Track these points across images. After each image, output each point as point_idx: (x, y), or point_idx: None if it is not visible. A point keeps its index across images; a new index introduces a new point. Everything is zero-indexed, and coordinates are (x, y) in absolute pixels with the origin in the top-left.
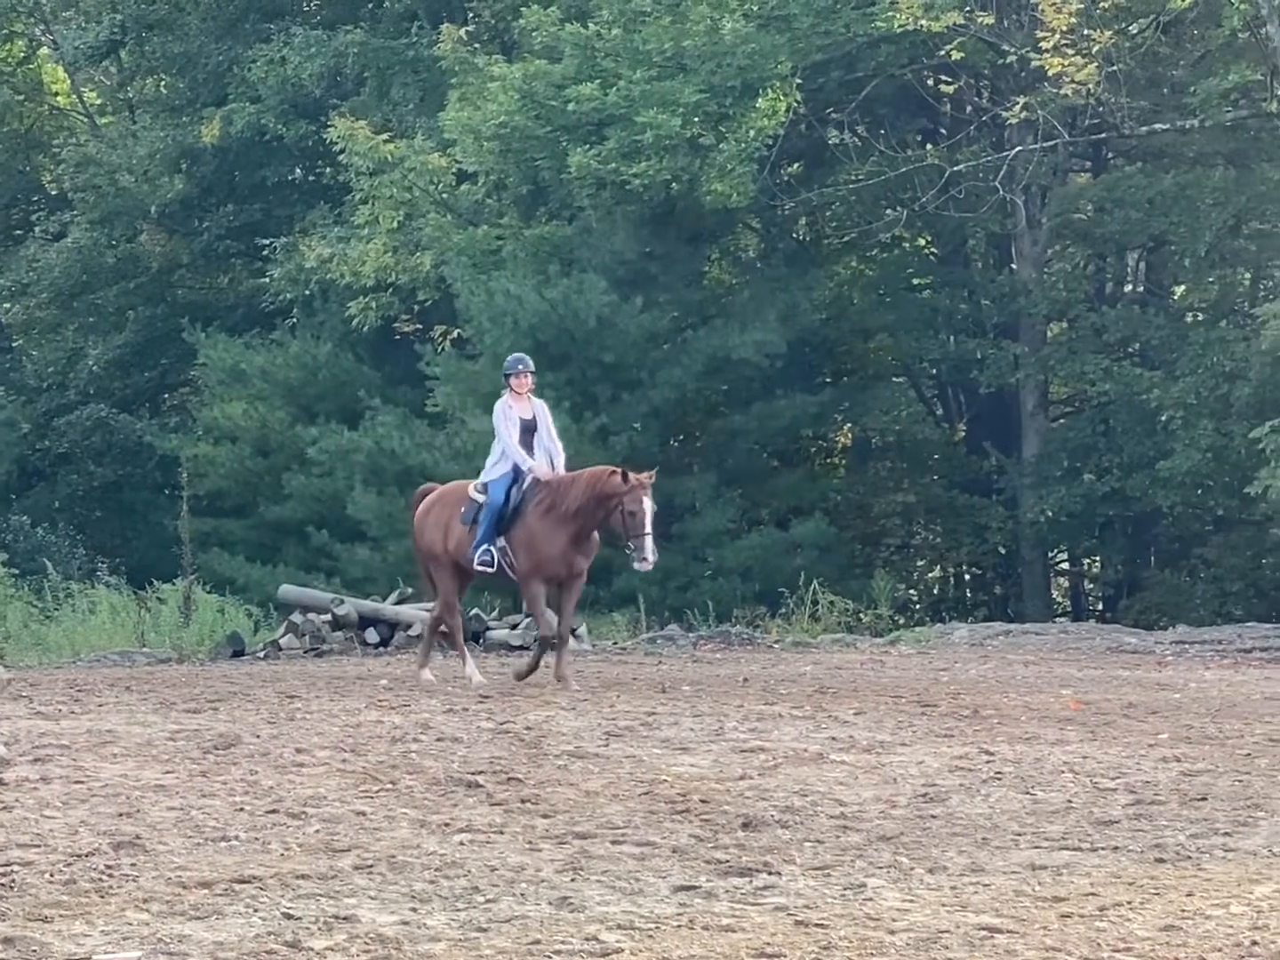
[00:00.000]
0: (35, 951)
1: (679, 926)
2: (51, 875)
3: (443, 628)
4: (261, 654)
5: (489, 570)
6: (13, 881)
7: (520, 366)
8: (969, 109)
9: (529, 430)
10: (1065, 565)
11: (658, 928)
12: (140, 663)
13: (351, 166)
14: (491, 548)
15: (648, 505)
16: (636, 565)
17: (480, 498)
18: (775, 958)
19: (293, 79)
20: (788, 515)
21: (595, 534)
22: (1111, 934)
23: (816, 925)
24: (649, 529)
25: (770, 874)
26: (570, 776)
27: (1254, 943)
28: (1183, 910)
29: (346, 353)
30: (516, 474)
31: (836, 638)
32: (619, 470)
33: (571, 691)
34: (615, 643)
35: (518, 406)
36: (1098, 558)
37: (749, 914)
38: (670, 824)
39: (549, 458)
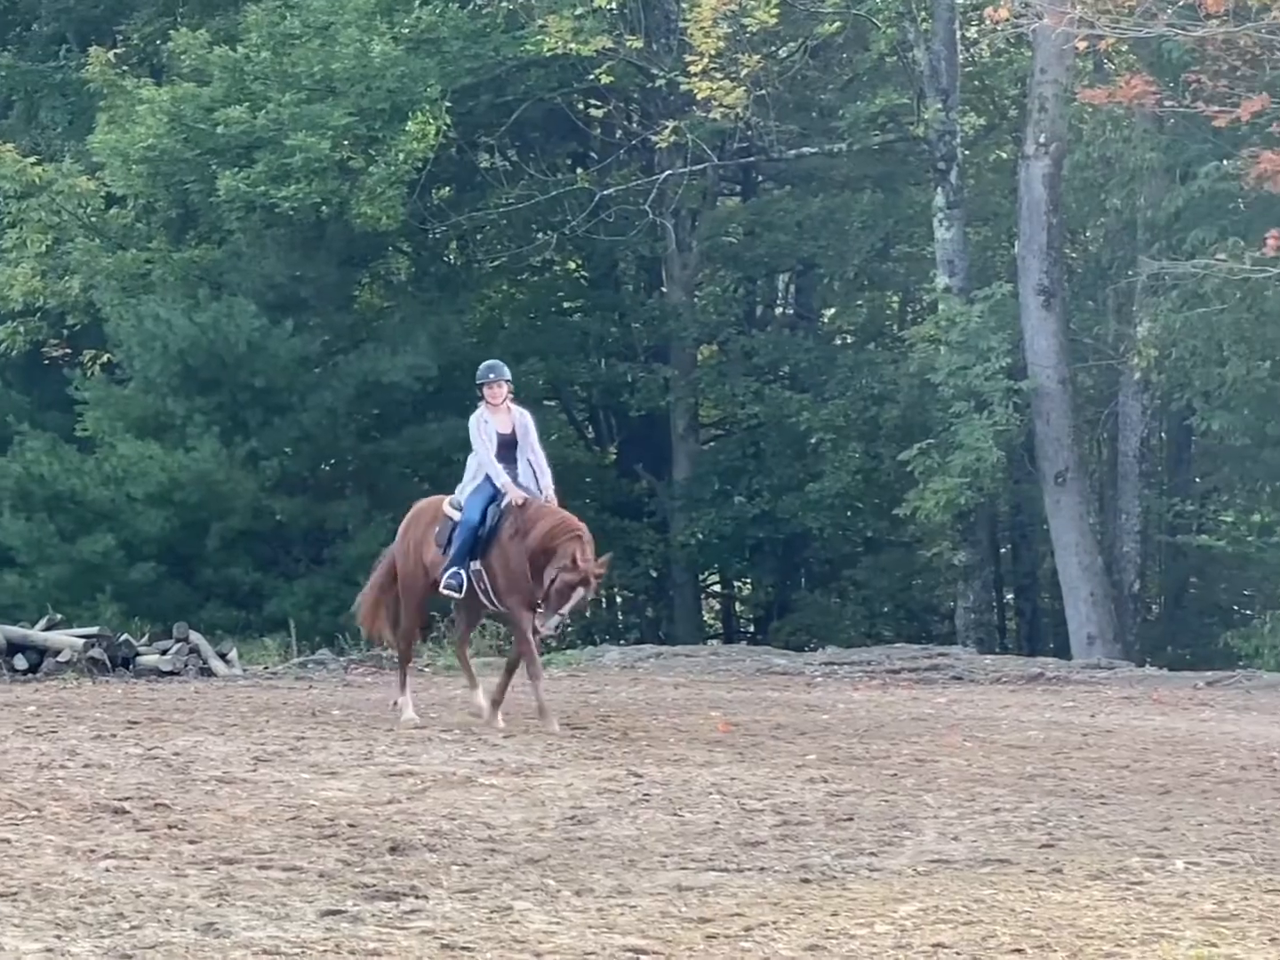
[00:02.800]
0: None
1: (325, 951)
2: None
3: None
4: None
5: (455, 595)
6: None
7: (491, 375)
8: (619, 133)
9: (508, 445)
10: (717, 587)
11: (304, 953)
12: None
13: None
14: (461, 571)
15: (577, 595)
16: (538, 624)
17: (456, 515)
18: None
19: None
20: None
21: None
22: (757, 954)
23: (463, 948)
24: (565, 611)
25: (417, 897)
26: (218, 802)
27: None
28: (827, 930)
29: None
30: (496, 491)
31: (487, 661)
32: (580, 536)
33: (550, 729)
34: (266, 667)
35: (495, 419)
36: (748, 580)
37: (395, 938)
38: (318, 849)
39: (533, 472)
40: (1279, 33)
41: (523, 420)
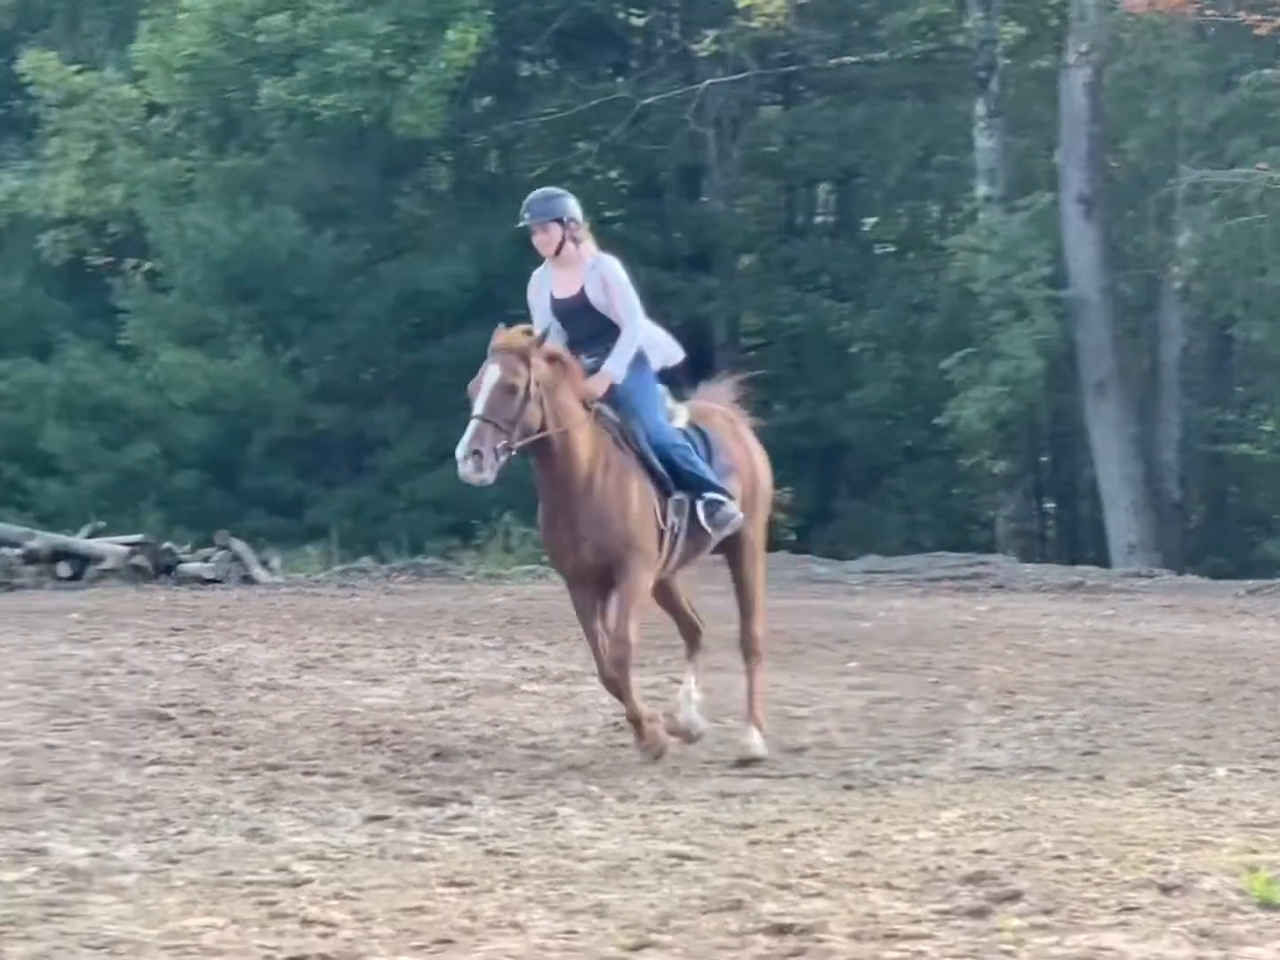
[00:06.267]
0: None
1: (370, 856)
2: None
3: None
4: None
5: None
6: None
7: (527, 215)
8: (660, 42)
9: (576, 314)
10: None
11: (349, 858)
12: None
13: (41, 99)
14: None
15: (487, 373)
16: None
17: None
18: (465, 886)
19: None
20: None
21: (614, 501)
22: (800, 860)
23: (507, 854)
24: (479, 408)
25: (461, 803)
26: (262, 708)
27: (940, 867)
28: (870, 836)
29: (37, 286)
30: None
31: (529, 569)
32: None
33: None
34: (308, 575)
35: (556, 276)
36: (789, 488)
37: (440, 843)
38: (362, 755)
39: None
40: None
41: (599, 274)
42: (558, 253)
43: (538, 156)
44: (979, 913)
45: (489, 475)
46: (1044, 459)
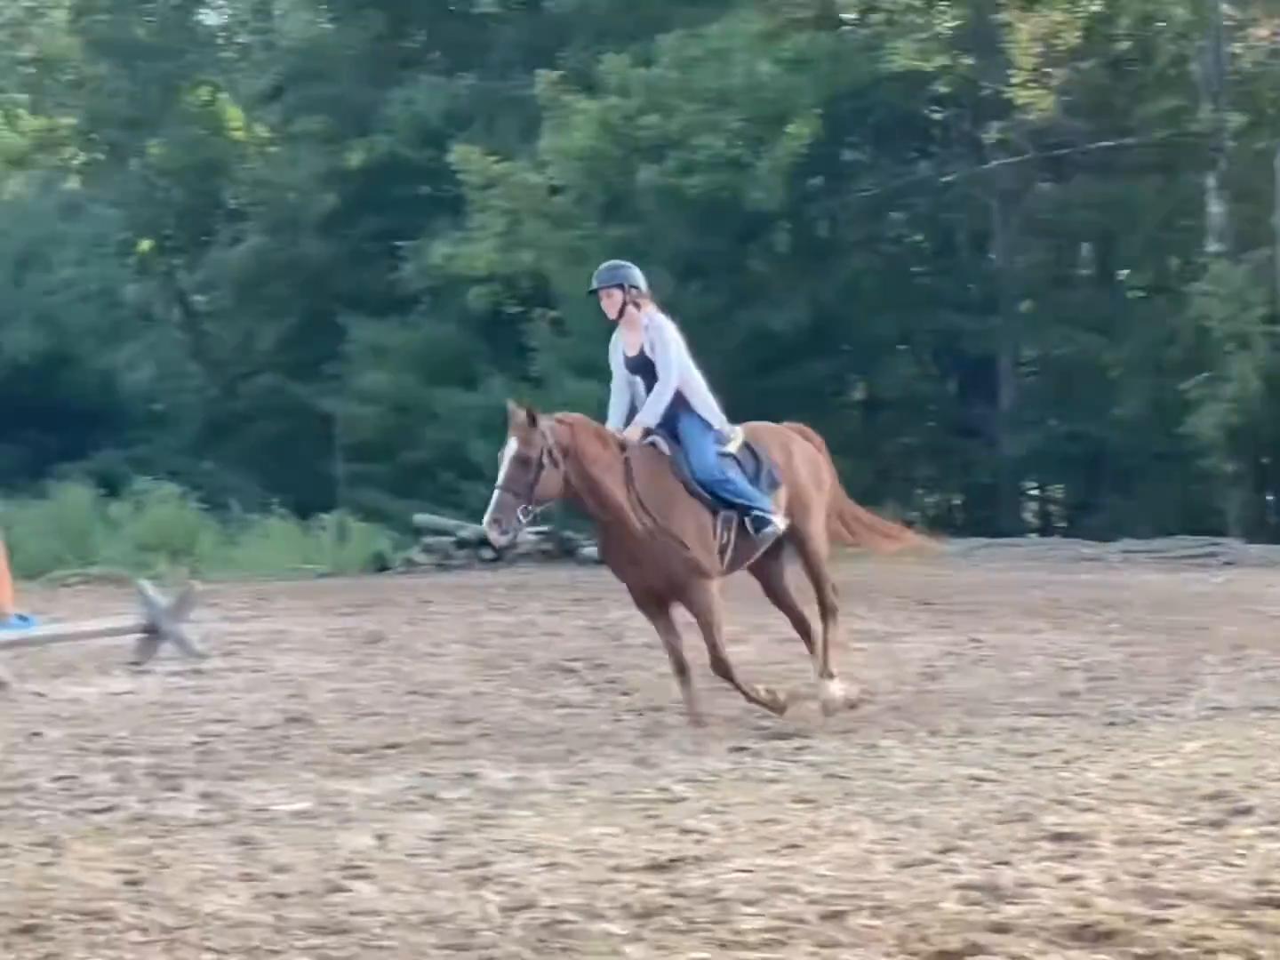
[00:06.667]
0: (227, 804)
1: (735, 780)
2: (239, 744)
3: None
4: (401, 569)
5: None
6: (210, 749)
7: (595, 283)
8: (955, 132)
9: (641, 368)
10: (1035, 492)
11: (717, 780)
12: (305, 577)
13: (467, 184)
14: None
15: (507, 447)
16: None
17: None
18: (809, 803)
19: (420, 115)
20: None
21: (667, 535)
22: (1073, 781)
23: (841, 777)
24: (499, 480)
25: (805, 737)
26: (647, 662)
27: (1187, 788)
28: (1130, 763)
29: (465, 331)
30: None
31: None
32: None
33: None
34: None
35: (624, 337)
36: (1061, 485)
37: (788, 769)
38: (726, 699)
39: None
40: None
41: (652, 336)
42: (621, 315)
43: (858, 224)
44: (1218, 824)
45: (511, 536)
46: (1264, 460)
